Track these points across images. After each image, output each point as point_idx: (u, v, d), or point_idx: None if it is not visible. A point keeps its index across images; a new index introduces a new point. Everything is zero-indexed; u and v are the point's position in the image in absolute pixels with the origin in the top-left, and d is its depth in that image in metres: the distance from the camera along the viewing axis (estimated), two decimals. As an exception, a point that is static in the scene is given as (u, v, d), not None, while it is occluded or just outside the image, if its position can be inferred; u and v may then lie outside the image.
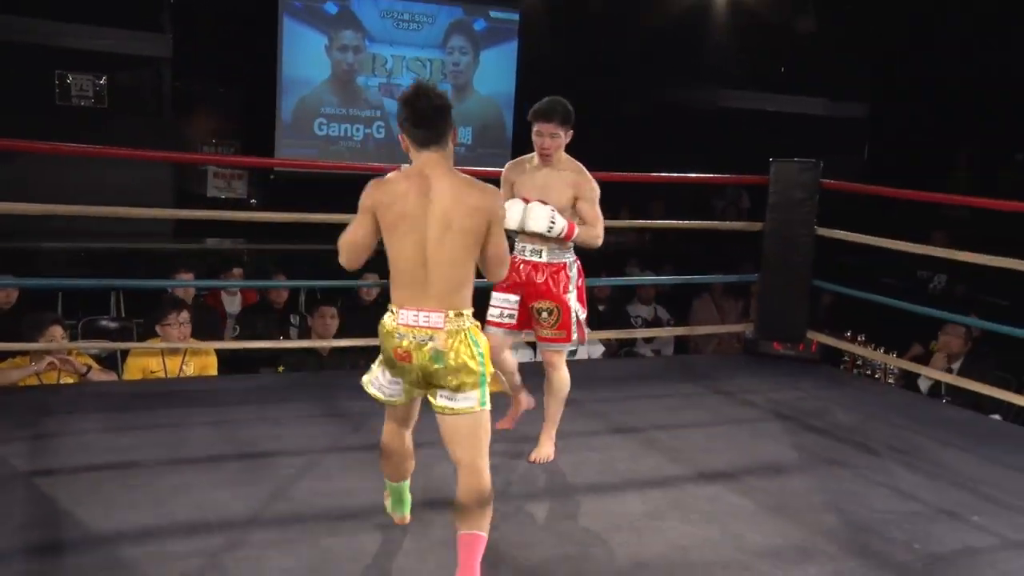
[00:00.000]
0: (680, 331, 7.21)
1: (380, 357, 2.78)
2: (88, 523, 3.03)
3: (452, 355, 2.62)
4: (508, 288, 3.71)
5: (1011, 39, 11.00)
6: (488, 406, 2.71)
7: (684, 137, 10.11)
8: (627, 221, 8.15)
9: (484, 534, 2.67)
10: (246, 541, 2.98)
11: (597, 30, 10.09)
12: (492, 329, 3.72)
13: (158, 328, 5.07)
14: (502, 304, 3.75)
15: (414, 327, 2.62)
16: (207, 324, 5.96)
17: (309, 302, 6.93)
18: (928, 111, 11.29)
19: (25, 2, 8.03)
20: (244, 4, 9.03)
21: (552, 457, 3.81)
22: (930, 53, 11.13)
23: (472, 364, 2.64)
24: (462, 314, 2.65)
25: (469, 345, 2.64)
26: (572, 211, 3.63)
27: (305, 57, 9.06)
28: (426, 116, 2.61)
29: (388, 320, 2.68)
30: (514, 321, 3.73)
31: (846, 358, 6.19)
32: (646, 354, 7.36)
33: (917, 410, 5.01)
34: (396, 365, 2.69)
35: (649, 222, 8.21)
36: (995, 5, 10.45)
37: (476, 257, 2.67)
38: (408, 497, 3.13)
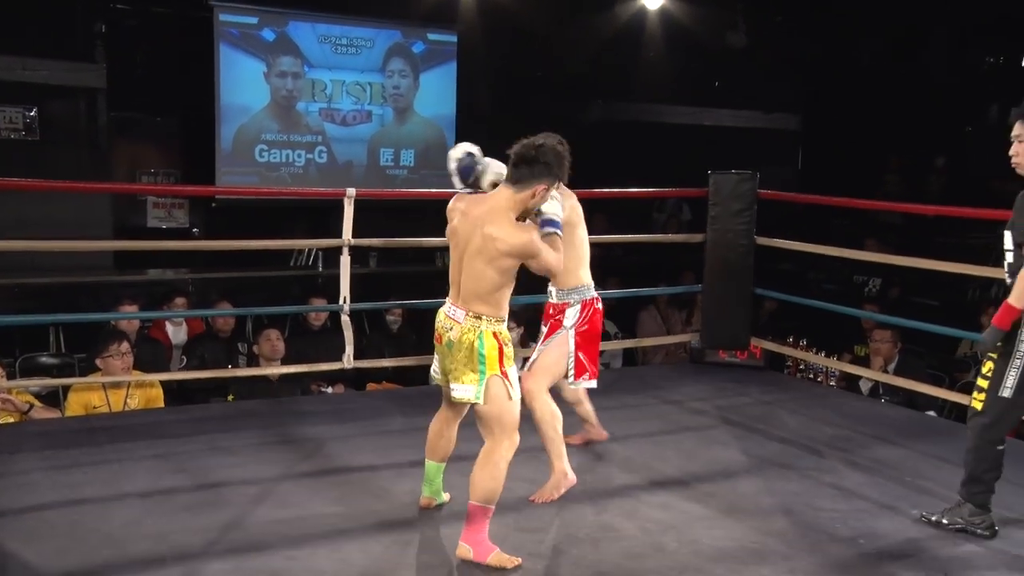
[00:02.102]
0: (628, 344, 7.30)
1: None
2: (38, 564, 2.98)
3: (459, 346, 3.07)
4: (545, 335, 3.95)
5: (929, 46, 11.42)
6: (481, 401, 3.08)
7: (624, 151, 10.25)
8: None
9: (482, 505, 3.07)
10: (202, 572, 2.95)
11: (533, 49, 10.22)
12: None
13: (98, 361, 4.98)
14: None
15: (446, 316, 3.13)
16: (153, 356, 5.88)
17: (256, 328, 6.87)
18: (857, 120, 11.63)
19: (-49, 36, 7.87)
20: (180, 32, 8.95)
21: (554, 496, 3.65)
22: (856, 64, 11.49)
23: (473, 359, 3.05)
24: (480, 317, 3.07)
25: (475, 343, 3.05)
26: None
27: (243, 84, 8.99)
28: (511, 157, 3.11)
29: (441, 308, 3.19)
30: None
31: (789, 363, 6.34)
32: (595, 368, 7.42)
33: (858, 410, 5.16)
34: (436, 344, 3.18)
35: (593, 237, 8.30)
36: (913, 17, 10.84)
37: (501, 275, 3.05)
38: (436, 481, 3.48)
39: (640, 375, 6.49)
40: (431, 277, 8.95)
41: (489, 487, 3.08)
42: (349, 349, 5.06)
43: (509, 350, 3.11)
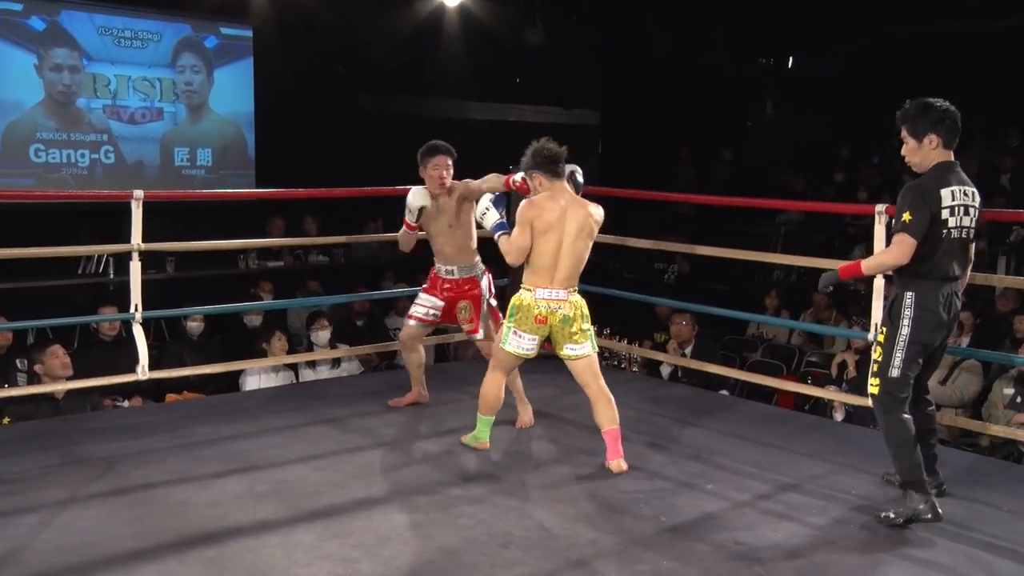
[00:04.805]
0: (437, 340, 7.29)
1: (513, 327, 3.94)
2: None
3: (575, 318, 3.89)
4: (437, 295, 4.66)
5: (710, 43, 12.15)
6: (596, 350, 4.03)
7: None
8: (383, 235, 8.15)
9: (616, 427, 3.97)
10: (-24, 614, 2.70)
11: (333, 44, 10.01)
12: (413, 323, 4.69)
13: None
14: (430, 305, 4.66)
15: (548, 300, 3.85)
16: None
17: (39, 344, 6.34)
18: (651, 115, 12.20)
19: None
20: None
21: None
22: (648, 59, 12.04)
23: (584, 324, 3.92)
24: (575, 291, 3.94)
25: (583, 311, 3.94)
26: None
27: (11, 77, 8.23)
28: (559, 158, 3.94)
29: (527, 296, 3.89)
30: (435, 319, 4.71)
31: (595, 351, 6.55)
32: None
33: (659, 394, 5.40)
34: (534, 327, 3.89)
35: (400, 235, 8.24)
36: (695, 13, 11.49)
37: (589, 249, 3.96)
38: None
39: (451, 371, 6.51)
40: (233, 280, 8.62)
41: (615, 413, 3.97)
42: (143, 359, 4.78)
43: None
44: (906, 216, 3.36)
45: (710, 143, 12.54)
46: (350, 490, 3.70)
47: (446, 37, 10.75)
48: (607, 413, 3.97)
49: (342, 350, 6.30)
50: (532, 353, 3.98)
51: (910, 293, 3.43)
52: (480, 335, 4.68)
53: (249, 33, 9.53)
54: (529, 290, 3.89)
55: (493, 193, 4.25)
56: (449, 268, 4.66)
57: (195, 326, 7.02)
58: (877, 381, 3.50)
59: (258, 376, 6.00)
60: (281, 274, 8.81)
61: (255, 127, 9.55)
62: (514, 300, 3.98)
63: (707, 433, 4.57)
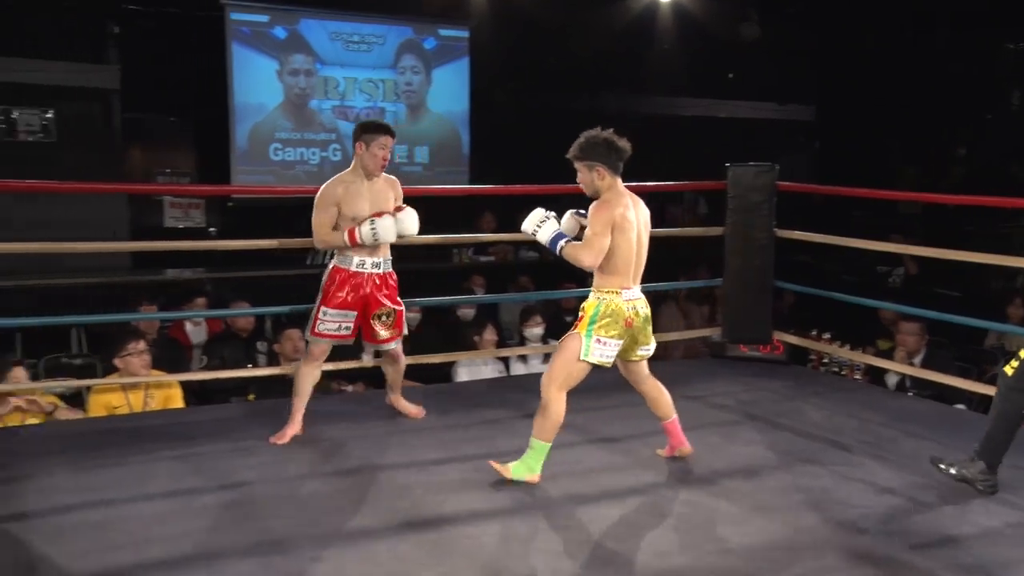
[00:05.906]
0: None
1: (598, 335, 3.65)
2: (65, 566, 2.97)
3: (648, 316, 3.82)
4: (349, 305, 4.19)
5: (941, 35, 11.30)
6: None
7: (638, 145, 10.16)
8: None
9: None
10: (227, 573, 2.93)
11: (546, 42, 10.16)
12: (324, 341, 4.22)
13: (117, 361, 4.97)
14: (341, 319, 4.21)
15: (633, 300, 3.73)
16: (172, 356, 5.88)
17: (276, 328, 6.85)
18: (872, 110, 11.52)
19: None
20: (191, 32, 8.95)
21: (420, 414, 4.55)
22: (869, 52, 11.38)
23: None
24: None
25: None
26: None
27: (256, 83, 8.99)
28: (625, 154, 3.83)
29: (615, 299, 3.69)
30: (349, 333, 4.24)
31: (812, 357, 6.26)
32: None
33: (885, 405, 5.08)
34: (622, 331, 3.69)
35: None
36: (921, 3, 10.72)
37: None
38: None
39: (660, 370, 6.40)
40: (451, 274, 8.94)
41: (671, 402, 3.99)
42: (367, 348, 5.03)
43: None
44: None
45: (940, 138, 11.69)
46: (562, 485, 3.72)
47: (659, 33, 10.64)
48: (669, 403, 4.00)
49: (552, 346, 6.36)
50: (611, 362, 3.74)
51: None
52: (397, 343, 4.38)
53: (466, 34, 9.87)
54: (616, 292, 3.69)
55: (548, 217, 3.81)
56: (376, 261, 4.27)
57: (412, 317, 7.32)
58: (1017, 365, 3.50)
59: (469, 367, 6.17)
60: (491, 269, 9.03)
61: (469, 125, 9.86)
62: (597, 307, 3.67)
63: (942, 449, 4.22)
